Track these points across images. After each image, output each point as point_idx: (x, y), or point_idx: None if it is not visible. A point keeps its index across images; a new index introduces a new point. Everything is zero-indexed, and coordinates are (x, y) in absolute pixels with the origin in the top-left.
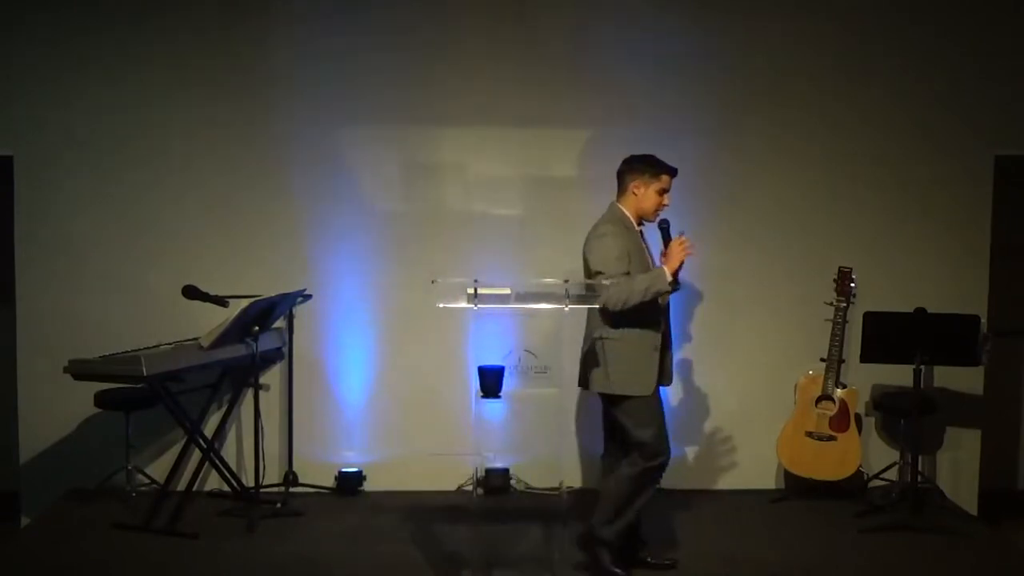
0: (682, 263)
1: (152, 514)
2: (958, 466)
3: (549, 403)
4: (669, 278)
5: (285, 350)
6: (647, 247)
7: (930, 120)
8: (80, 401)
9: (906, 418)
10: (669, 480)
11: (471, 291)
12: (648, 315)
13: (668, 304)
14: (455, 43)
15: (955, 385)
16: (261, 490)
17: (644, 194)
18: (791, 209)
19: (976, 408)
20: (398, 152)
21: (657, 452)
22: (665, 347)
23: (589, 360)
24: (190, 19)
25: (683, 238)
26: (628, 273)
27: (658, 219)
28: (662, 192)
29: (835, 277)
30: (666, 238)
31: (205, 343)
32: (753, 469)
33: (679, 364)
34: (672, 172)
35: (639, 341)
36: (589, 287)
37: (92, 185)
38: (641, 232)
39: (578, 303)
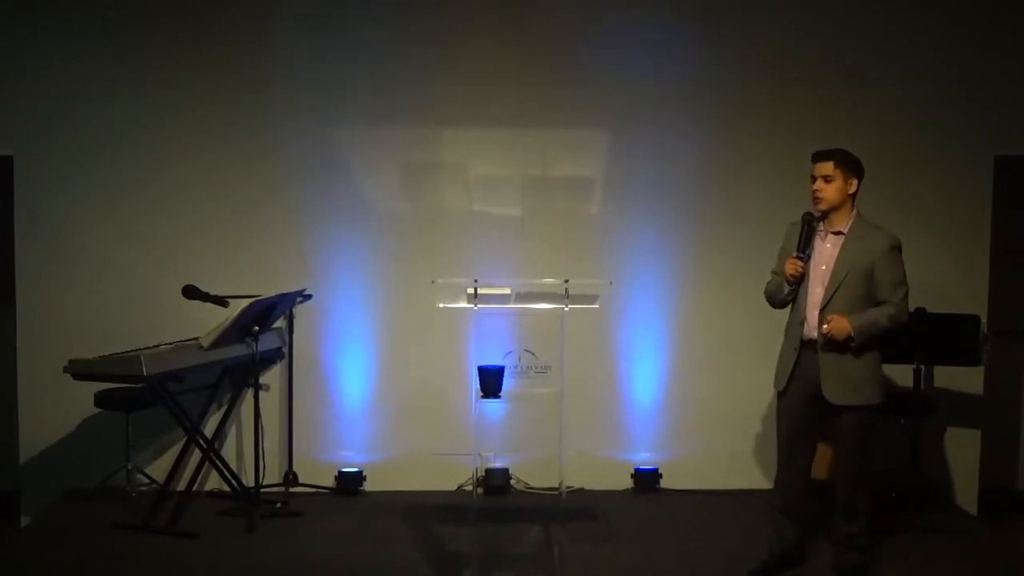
0: (791, 277)
1: (152, 514)
2: (958, 466)
3: (549, 403)
4: (786, 288)
5: (285, 350)
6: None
7: (930, 120)
8: (80, 401)
9: (906, 418)
10: (670, 480)
11: (471, 291)
12: (790, 314)
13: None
14: (455, 43)
15: (955, 385)
16: (261, 490)
17: None
18: (792, 208)
19: (976, 408)
20: (398, 152)
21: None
22: (813, 350)
23: None
24: (188, 19)
25: (793, 257)
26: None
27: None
28: (812, 179)
29: None
30: (802, 234)
31: (205, 343)
32: (753, 469)
33: (680, 364)
34: (814, 156)
35: (786, 338)
36: None
37: (92, 185)
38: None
39: (578, 303)
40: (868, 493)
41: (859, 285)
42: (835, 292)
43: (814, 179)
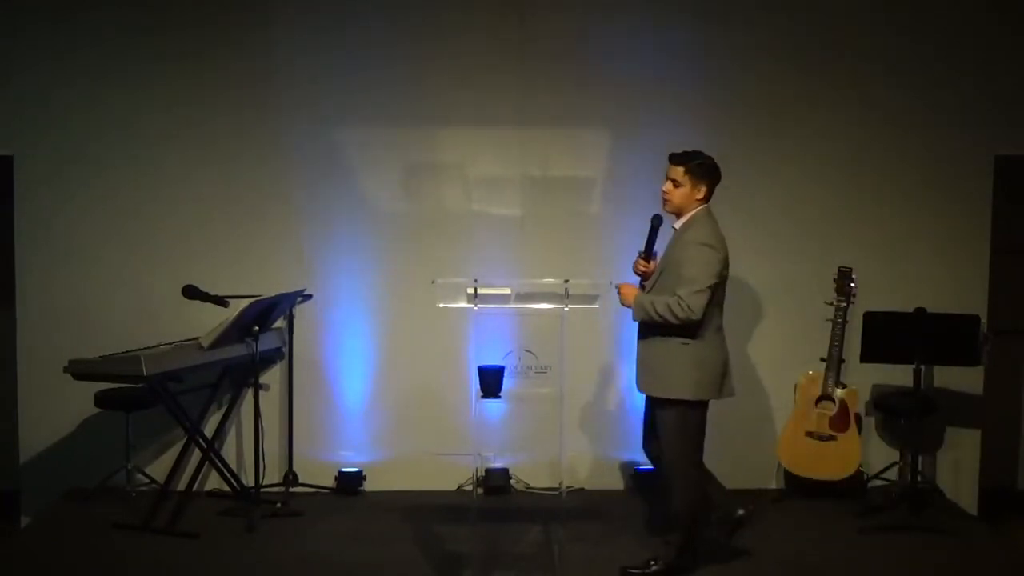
0: (638, 275)
1: (152, 514)
2: (958, 466)
3: (549, 403)
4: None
5: (285, 350)
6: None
7: (930, 120)
8: (80, 401)
9: (906, 418)
10: None
11: (471, 291)
12: None
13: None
14: (455, 42)
15: (955, 385)
16: (261, 490)
17: None
18: (792, 209)
19: (976, 408)
20: (398, 152)
21: None
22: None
23: None
24: (189, 19)
25: (637, 257)
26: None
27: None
28: (665, 179)
29: (835, 277)
30: (648, 235)
31: (205, 343)
32: (753, 469)
33: None
34: (670, 157)
35: None
36: None
37: (92, 185)
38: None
39: (578, 303)
40: (687, 493)
41: (669, 279)
42: (653, 285)
43: (667, 179)
